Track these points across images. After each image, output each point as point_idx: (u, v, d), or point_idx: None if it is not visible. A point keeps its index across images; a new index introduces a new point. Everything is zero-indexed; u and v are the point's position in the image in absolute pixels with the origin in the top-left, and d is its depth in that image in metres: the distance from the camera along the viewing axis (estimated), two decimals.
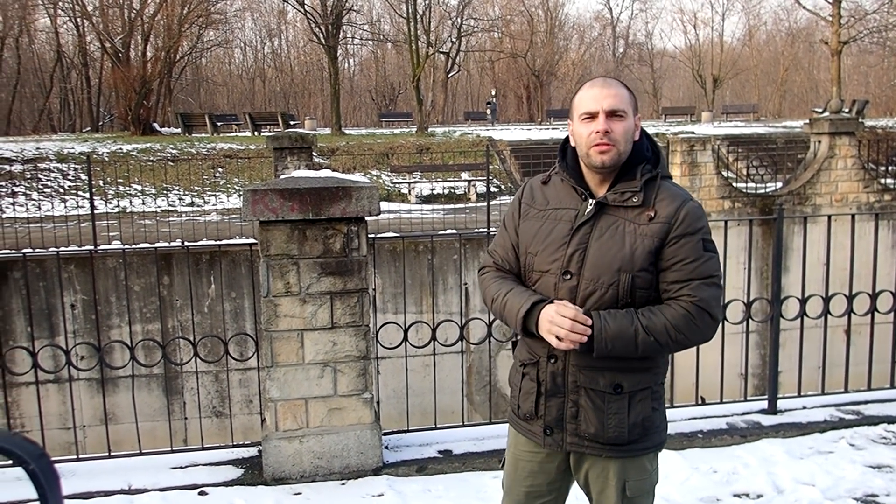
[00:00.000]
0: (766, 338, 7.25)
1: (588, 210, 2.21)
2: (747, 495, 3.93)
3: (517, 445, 2.42)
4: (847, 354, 5.33)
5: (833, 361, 5.49)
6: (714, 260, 2.19)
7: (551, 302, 2.16)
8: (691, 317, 2.13)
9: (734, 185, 13.87)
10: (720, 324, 2.21)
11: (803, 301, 5.01)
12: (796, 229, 12.10)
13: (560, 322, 2.09)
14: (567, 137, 2.33)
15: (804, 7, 36.42)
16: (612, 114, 2.16)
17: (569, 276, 2.18)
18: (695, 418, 4.82)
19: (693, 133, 14.52)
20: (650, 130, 28.03)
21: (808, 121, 14.56)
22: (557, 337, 2.10)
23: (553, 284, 2.20)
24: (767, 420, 4.80)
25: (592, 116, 2.17)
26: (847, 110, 29.02)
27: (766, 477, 4.05)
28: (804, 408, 5.00)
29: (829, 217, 5.29)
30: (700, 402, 5.08)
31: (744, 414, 4.91)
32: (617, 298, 2.15)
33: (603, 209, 2.20)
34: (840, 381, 5.35)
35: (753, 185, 14.63)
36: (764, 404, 4.99)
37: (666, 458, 4.25)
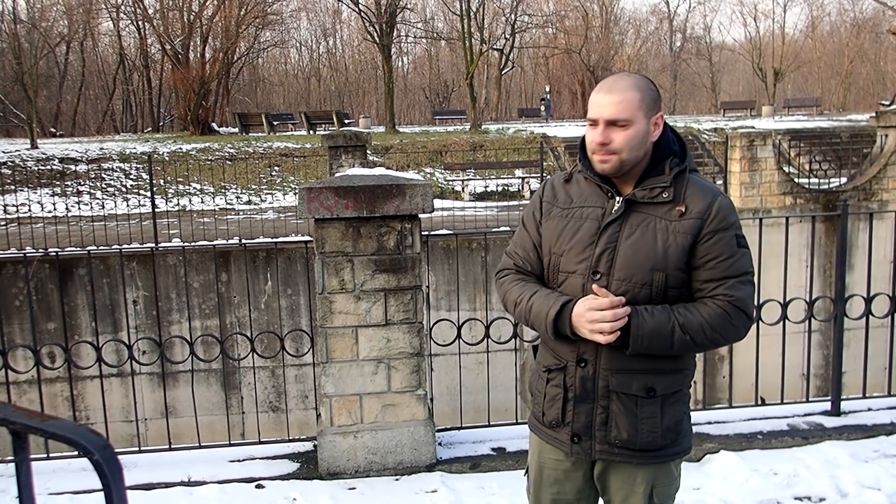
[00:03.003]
0: (830, 337, 7.05)
1: (616, 208, 2.12)
2: (809, 499, 3.83)
3: (542, 453, 2.36)
4: None
5: None
6: (747, 256, 2.12)
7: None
8: (728, 316, 2.06)
9: (796, 180, 13.52)
10: (755, 322, 2.15)
11: (869, 300, 4.86)
12: (861, 226, 11.73)
13: (601, 317, 2.00)
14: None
15: None
16: (612, 123, 2.07)
17: (598, 276, 2.09)
18: (754, 419, 4.70)
19: (753, 128, 14.19)
20: (708, 126, 27.37)
21: (874, 114, 14.11)
22: (602, 332, 2.01)
23: (581, 285, 2.11)
24: (830, 422, 4.66)
25: (594, 123, 2.11)
26: None
27: (828, 480, 3.94)
28: (869, 409, 4.84)
29: None
30: (760, 402, 4.95)
31: (806, 415, 4.77)
32: (650, 298, 2.08)
33: (631, 206, 2.12)
34: None
35: (816, 180, 14.23)
36: (827, 406, 4.84)
37: (724, 459, 4.17)
